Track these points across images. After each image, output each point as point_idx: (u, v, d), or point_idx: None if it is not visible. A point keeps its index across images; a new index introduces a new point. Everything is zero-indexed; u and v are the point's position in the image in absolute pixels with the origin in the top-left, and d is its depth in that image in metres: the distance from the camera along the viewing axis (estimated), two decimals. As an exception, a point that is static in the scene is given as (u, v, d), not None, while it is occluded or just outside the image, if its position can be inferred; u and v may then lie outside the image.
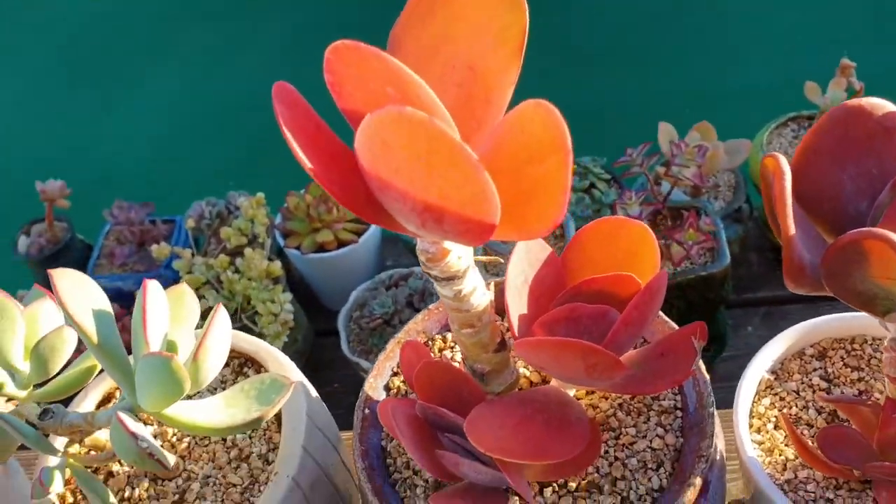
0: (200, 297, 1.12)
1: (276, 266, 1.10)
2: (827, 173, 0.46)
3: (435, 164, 0.33)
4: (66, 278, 0.47)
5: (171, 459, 0.56)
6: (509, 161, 0.37)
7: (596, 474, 0.50)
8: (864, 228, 0.40)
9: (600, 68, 2.32)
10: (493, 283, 0.56)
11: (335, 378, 1.22)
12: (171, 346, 0.50)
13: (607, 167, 1.26)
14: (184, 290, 0.52)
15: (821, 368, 0.58)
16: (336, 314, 1.20)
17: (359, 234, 1.23)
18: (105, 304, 0.50)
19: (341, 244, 1.23)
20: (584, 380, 0.46)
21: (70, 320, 0.46)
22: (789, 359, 0.59)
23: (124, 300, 1.22)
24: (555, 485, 0.50)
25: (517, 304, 0.47)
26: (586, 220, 1.22)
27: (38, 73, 2.60)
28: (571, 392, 0.52)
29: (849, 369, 0.58)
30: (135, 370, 0.48)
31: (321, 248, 1.22)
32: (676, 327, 0.54)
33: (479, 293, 0.44)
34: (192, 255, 1.14)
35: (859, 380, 0.57)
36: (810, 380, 0.58)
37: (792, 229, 0.42)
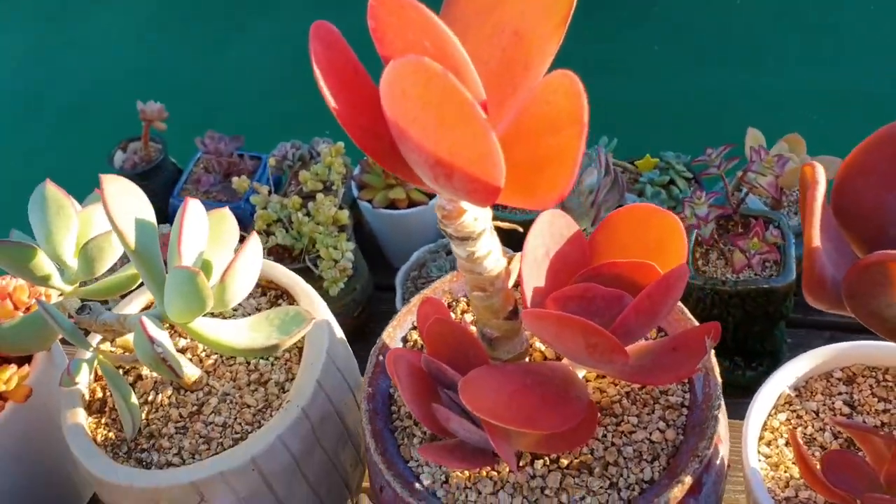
0: (270, 234, 1.16)
1: (344, 214, 1.12)
2: (871, 192, 0.45)
3: (447, 118, 0.34)
4: (115, 184, 0.50)
5: (196, 373, 0.59)
6: (531, 128, 0.37)
7: (590, 456, 0.50)
8: (890, 251, 0.39)
9: (711, 64, 2.27)
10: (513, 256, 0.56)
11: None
12: (206, 265, 0.53)
13: (689, 165, 1.24)
14: (225, 214, 0.54)
15: (846, 393, 0.57)
16: (397, 271, 1.23)
17: (430, 196, 1.25)
18: (150, 216, 0.52)
19: (412, 203, 1.24)
20: (586, 359, 0.46)
21: (112, 223, 0.49)
22: (815, 378, 0.58)
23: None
24: (546, 458, 0.50)
25: (533, 276, 0.47)
26: (659, 216, 1.20)
27: (161, 8, 2.72)
28: (581, 373, 0.53)
29: (875, 399, 0.56)
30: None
31: (392, 204, 1.24)
32: (695, 322, 0.53)
33: (493, 258, 0.45)
34: (270, 192, 1.18)
35: (884, 411, 0.55)
36: (833, 403, 0.56)
37: (815, 241, 0.41)
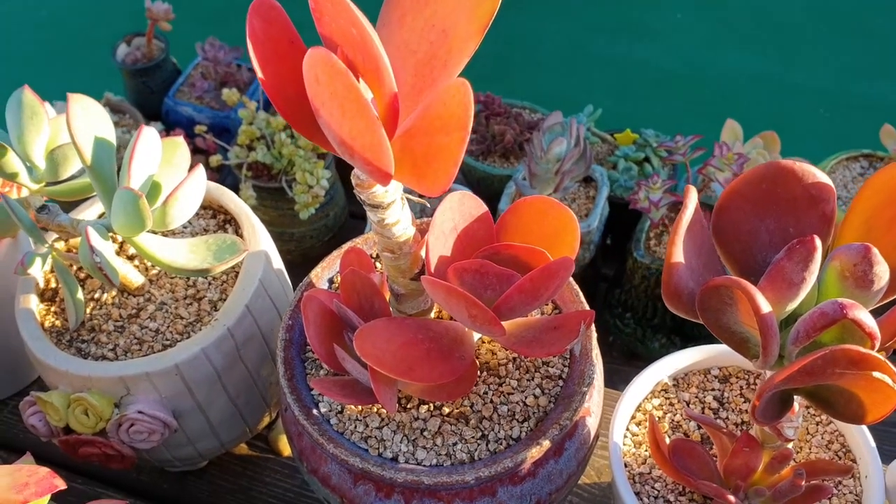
0: (251, 150, 1.21)
1: (324, 143, 1.17)
2: (747, 220, 0.50)
3: (346, 109, 0.38)
4: (79, 103, 0.54)
5: (140, 280, 0.65)
6: (430, 124, 0.42)
7: (469, 409, 0.56)
8: (732, 276, 0.44)
9: (734, 43, 2.26)
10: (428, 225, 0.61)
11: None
12: (154, 187, 0.58)
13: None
14: (178, 142, 0.59)
15: (719, 391, 0.62)
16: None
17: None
18: (110, 135, 0.57)
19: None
20: (470, 325, 0.51)
21: (72, 138, 0.54)
22: (694, 372, 0.64)
23: (190, 128, 1.32)
24: (431, 405, 0.56)
25: (440, 246, 0.53)
26: (627, 190, 1.24)
27: None
28: (478, 335, 0.58)
29: (742, 399, 0.62)
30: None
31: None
32: (586, 306, 0.59)
33: (401, 226, 0.50)
34: (258, 108, 1.22)
35: (747, 411, 0.61)
36: (704, 397, 0.62)
37: (675, 258, 0.46)
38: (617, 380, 1.21)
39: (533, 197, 0.53)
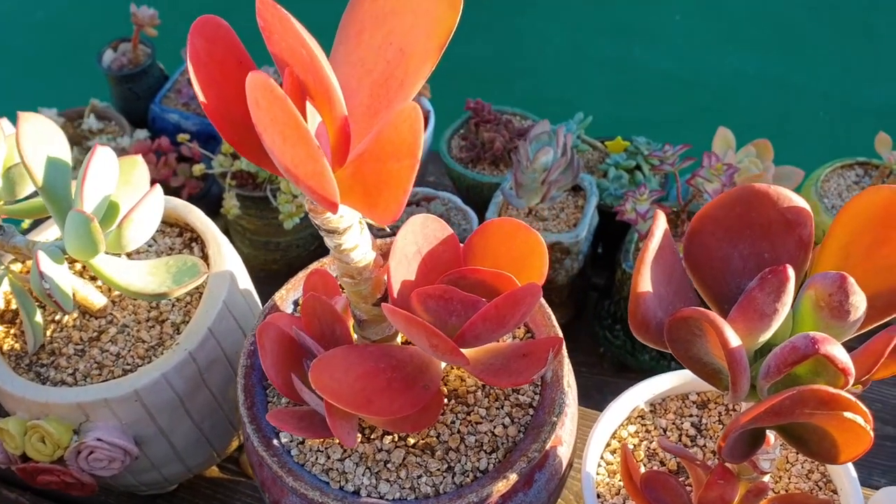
0: (236, 158, 1.19)
1: (308, 152, 1.15)
2: (720, 245, 0.48)
3: (287, 136, 0.36)
4: (30, 123, 0.52)
5: (102, 301, 0.63)
6: (380, 151, 0.40)
7: (435, 439, 0.54)
8: (700, 309, 0.42)
9: (734, 45, 2.24)
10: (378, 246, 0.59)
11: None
12: (111, 207, 0.56)
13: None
14: (137, 161, 0.57)
15: (697, 416, 0.60)
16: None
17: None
18: (64, 155, 0.55)
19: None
20: (433, 355, 0.49)
21: (22, 160, 0.52)
22: (672, 398, 0.61)
23: (177, 134, 1.30)
24: (396, 436, 0.54)
25: (403, 271, 0.51)
26: (617, 199, 1.22)
27: None
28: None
29: (720, 426, 0.60)
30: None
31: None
32: (558, 332, 0.57)
33: (360, 251, 0.48)
34: (242, 117, 1.20)
35: (726, 438, 0.59)
36: (682, 423, 0.60)
37: (641, 287, 0.44)
38: (607, 392, 1.18)
39: (501, 219, 0.51)
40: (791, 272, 0.42)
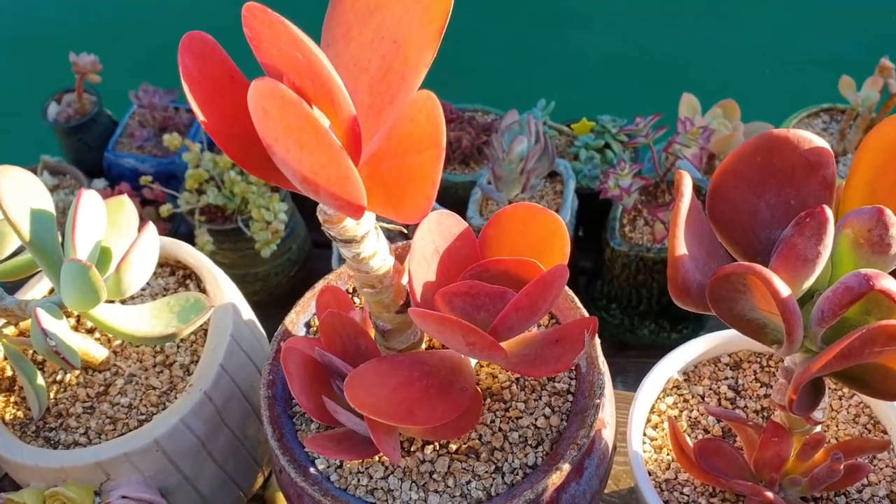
0: (202, 193, 1.15)
1: (277, 176, 1.12)
2: (744, 198, 0.47)
3: (304, 142, 0.34)
4: (7, 176, 0.49)
5: (103, 354, 0.60)
6: (398, 145, 0.38)
7: (478, 441, 0.52)
8: (746, 263, 0.41)
9: (675, 18, 2.26)
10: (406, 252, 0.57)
11: (323, 291, 1.26)
12: (104, 253, 0.53)
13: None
14: (123, 201, 0.54)
15: (732, 378, 0.59)
16: (334, 230, 1.23)
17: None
18: (47, 205, 0.52)
19: (349, 163, 1.24)
20: (468, 354, 0.48)
21: (6, 216, 0.49)
22: (704, 363, 0.60)
23: (135, 179, 1.27)
24: (437, 444, 0.52)
25: (422, 273, 0.49)
26: (593, 180, 1.21)
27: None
28: (475, 361, 0.54)
29: (758, 384, 0.58)
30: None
31: (329, 163, 1.24)
32: (584, 313, 0.55)
33: (379, 258, 0.46)
34: (202, 149, 1.17)
35: (765, 396, 0.58)
36: (719, 387, 0.59)
37: (678, 250, 0.42)
38: (613, 372, 1.17)
39: (514, 205, 0.49)
40: (829, 212, 0.41)
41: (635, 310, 1.14)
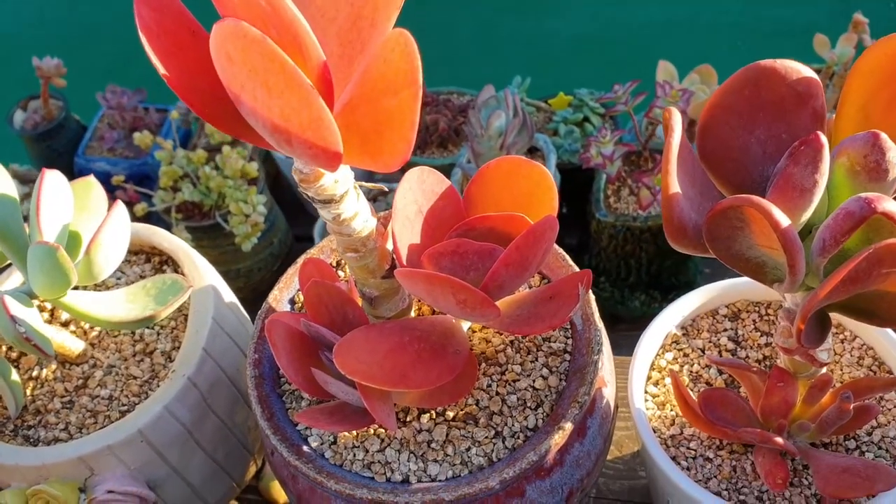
0: (177, 190, 1.13)
1: (252, 167, 1.10)
2: (734, 134, 0.45)
3: (272, 85, 0.32)
4: (-35, 160, 0.47)
5: (79, 346, 0.57)
6: (372, 89, 0.36)
7: (475, 406, 0.50)
8: (742, 195, 0.39)
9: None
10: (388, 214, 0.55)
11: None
12: (73, 237, 0.51)
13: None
14: (90, 183, 0.52)
15: (731, 329, 0.58)
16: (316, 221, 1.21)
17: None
18: (10, 190, 0.50)
19: (325, 152, 1.22)
20: (460, 314, 0.46)
21: (-35, 202, 0.47)
22: (701, 316, 0.59)
23: (108, 182, 1.24)
24: (433, 412, 0.50)
25: (407, 234, 0.47)
26: (574, 154, 1.20)
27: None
28: (467, 325, 0.52)
29: (758, 333, 0.57)
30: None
31: (305, 153, 1.22)
32: (576, 269, 0.53)
33: (360, 219, 0.44)
34: (175, 146, 1.15)
35: (766, 345, 0.56)
36: (718, 339, 0.57)
37: (672, 188, 0.41)
38: (606, 347, 1.16)
39: (498, 159, 0.48)
40: (825, 139, 0.39)
41: (625, 282, 1.13)
